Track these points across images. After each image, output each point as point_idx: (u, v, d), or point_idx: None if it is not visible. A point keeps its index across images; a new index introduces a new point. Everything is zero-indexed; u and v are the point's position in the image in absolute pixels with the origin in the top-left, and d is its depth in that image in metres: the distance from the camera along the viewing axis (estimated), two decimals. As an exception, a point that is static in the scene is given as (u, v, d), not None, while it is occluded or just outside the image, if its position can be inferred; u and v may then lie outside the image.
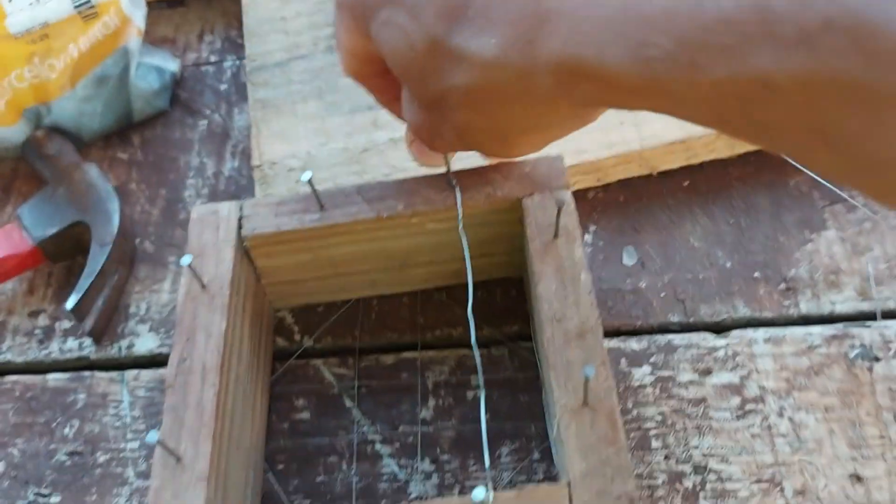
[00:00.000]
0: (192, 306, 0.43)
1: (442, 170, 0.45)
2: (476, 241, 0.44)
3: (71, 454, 0.48)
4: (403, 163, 0.53)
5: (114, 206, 0.53)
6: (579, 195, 0.54)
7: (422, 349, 0.50)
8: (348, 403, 0.48)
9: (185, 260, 0.42)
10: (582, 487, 0.34)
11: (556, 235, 0.42)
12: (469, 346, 0.49)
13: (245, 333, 0.45)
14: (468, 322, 0.39)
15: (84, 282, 0.50)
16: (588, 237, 0.53)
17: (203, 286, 0.43)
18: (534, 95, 0.32)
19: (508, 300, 0.50)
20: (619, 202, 0.54)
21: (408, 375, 0.49)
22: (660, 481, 0.44)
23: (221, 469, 0.40)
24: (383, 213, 0.44)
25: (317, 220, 0.45)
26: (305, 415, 0.48)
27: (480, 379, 0.38)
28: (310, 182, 0.43)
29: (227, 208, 0.46)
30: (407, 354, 0.49)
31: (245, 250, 0.46)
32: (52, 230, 0.53)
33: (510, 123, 0.36)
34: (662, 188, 0.54)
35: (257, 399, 0.46)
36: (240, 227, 0.45)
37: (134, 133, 0.61)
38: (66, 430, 0.49)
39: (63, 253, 0.54)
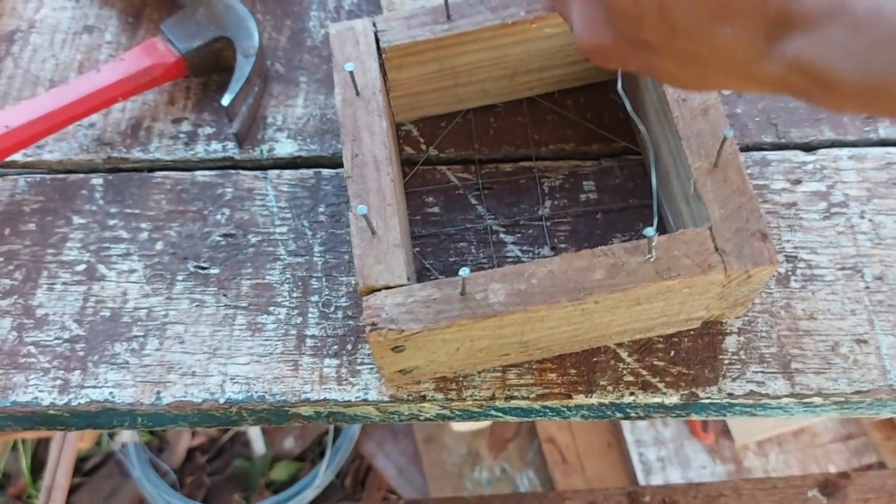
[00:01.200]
0: (352, 111, 0.48)
1: None
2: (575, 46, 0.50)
3: (225, 236, 0.54)
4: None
5: (252, 24, 0.58)
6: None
7: (537, 160, 0.55)
8: (473, 201, 0.54)
9: (349, 66, 0.47)
10: (724, 228, 0.40)
11: None
12: (580, 158, 0.55)
13: (392, 133, 0.51)
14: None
15: (235, 84, 0.55)
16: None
17: (357, 93, 0.48)
18: (750, 69, 0.32)
19: (616, 122, 0.56)
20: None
21: (526, 181, 0.54)
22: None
23: (405, 241, 0.46)
24: (508, 19, 0.49)
25: (447, 30, 0.50)
26: (435, 209, 0.54)
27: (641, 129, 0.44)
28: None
29: (362, 24, 0.51)
30: (524, 163, 0.55)
31: (381, 62, 0.51)
32: (197, 43, 0.57)
33: (709, 80, 0.34)
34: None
35: (402, 191, 0.52)
36: (377, 39, 0.50)
37: (255, -30, 0.65)
38: (218, 217, 0.54)
39: (204, 68, 0.59)
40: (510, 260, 0.52)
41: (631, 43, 0.34)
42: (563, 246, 0.52)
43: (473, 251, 0.52)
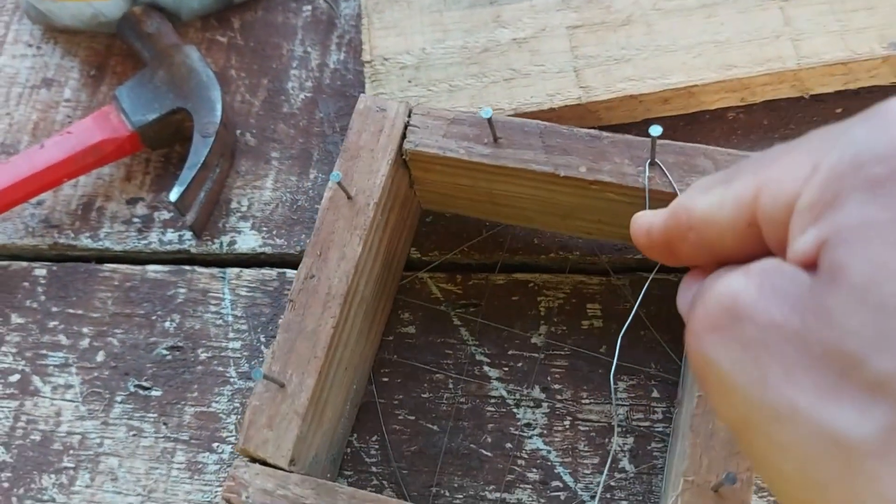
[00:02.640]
0: (333, 219, 0.40)
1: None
2: None
3: (172, 349, 0.47)
4: (527, 67, 0.49)
5: (216, 94, 0.50)
6: (719, 114, 0.49)
7: (535, 272, 0.47)
8: (456, 321, 0.46)
9: (335, 177, 0.39)
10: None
11: None
12: (587, 273, 0.46)
13: (381, 251, 0.43)
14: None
15: (187, 174, 0.48)
16: (723, 162, 0.48)
17: (349, 197, 0.41)
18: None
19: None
20: (762, 125, 0.49)
21: (520, 298, 0.46)
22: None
23: (322, 399, 0.39)
24: (561, 171, 0.39)
25: (486, 157, 0.40)
26: (411, 329, 0.46)
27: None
28: (489, 120, 0.39)
29: (396, 109, 0.42)
30: (519, 276, 0.47)
31: (403, 161, 0.43)
32: (152, 116, 0.50)
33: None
34: (813, 114, 0.49)
35: (379, 310, 0.45)
36: (403, 135, 0.42)
37: (233, 15, 0.57)
38: (167, 324, 0.48)
39: (162, 140, 0.52)
40: (493, 401, 0.44)
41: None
42: (556, 387, 0.44)
43: (451, 386, 0.44)
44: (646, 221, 0.29)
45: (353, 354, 0.42)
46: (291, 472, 0.36)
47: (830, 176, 0.20)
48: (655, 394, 0.43)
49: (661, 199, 0.38)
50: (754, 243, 0.23)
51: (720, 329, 0.22)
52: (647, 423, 0.42)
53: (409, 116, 0.42)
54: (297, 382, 0.37)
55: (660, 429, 0.42)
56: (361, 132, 0.42)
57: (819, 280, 0.20)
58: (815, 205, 0.20)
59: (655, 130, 0.36)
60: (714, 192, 0.24)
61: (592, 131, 0.40)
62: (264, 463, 0.36)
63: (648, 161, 0.38)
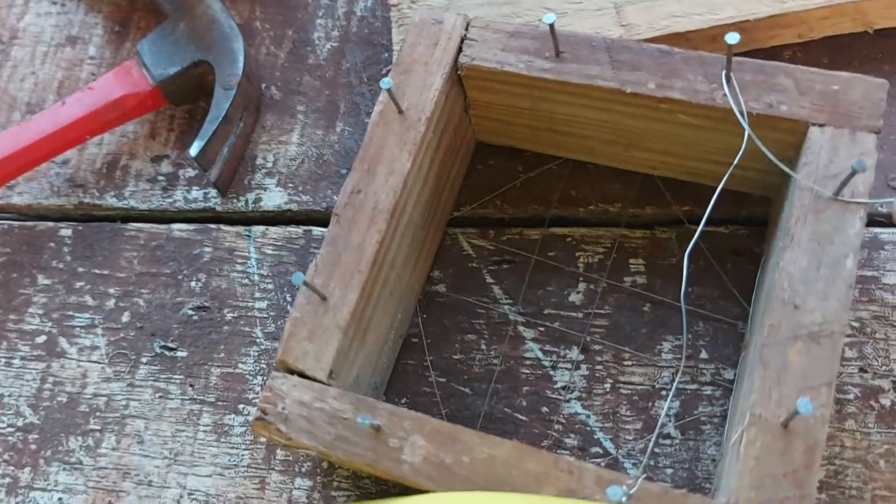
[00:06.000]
0: (383, 133, 0.39)
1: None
2: (729, 147, 0.36)
3: (198, 309, 0.46)
4: (563, 5, 0.45)
5: (238, 46, 0.48)
6: (773, 53, 0.45)
7: (573, 226, 0.44)
8: (489, 279, 0.43)
9: (385, 83, 0.37)
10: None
11: (836, 194, 0.33)
12: (629, 226, 0.43)
13: (432, 173, 0.40)
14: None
15: (208, 127, 0.46)
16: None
17: (401, 111, 0.38)
18: None
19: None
20: (822, 64, 0.45)
21: (556, 253, 0.43)
22: (851, 396, 0.38)
23: (365, 318, 0.37)
24: (627, 87, 0.37)
25: (546, 71, 0.38)
26: (441, 287, 0.44)
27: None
28: (551, 26, 0.36)
29: (453, 21, 0.40)
30: (556, 230, 0.44)
31: (458, 76, 0.40)
32: (173, 69, 0.48)
33: None
34: (878, 50, 0.44)
35: (428, 239, 0.42)
36: (459, 49, 0.39)
37: (257, -36, 0.55)
38: (193, 284, 0.46)
39: (185, 96, 0.50)
40: (528, 363, 0.41)
41: None
42: (597, 347, 0.41)
43: (483, 347, 0.42)
44: None
45: (399, 280, 0.40)
46: (330, 385, 0.35)
47: None
48: (704, 354, 0.40)
49: (736, 119, 0.35)
50: None
51: None
52: (694, 386, 0.39)
53: (467, 29, 0.40)
54: (339, 296, 0.36)
55: (708, 391, 0.39)
56: (416, 45, 0.40)
57: None
58: None
59: (732, 38, 0.32)
60: None
61: (663, 47, 0.37)
62: (303, 375, 0.35)
63: (724, 72, 0.35)
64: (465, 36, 0.40)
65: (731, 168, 0.35)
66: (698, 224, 0.38)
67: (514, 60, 0.38)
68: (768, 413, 0.30)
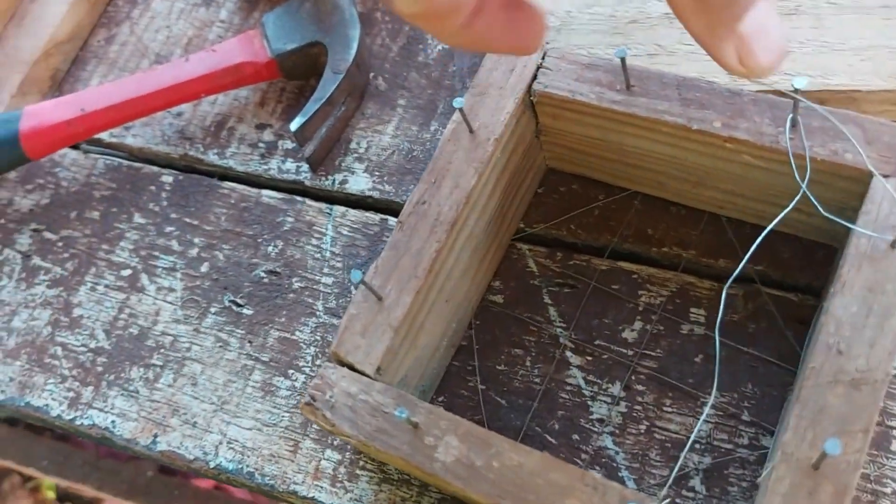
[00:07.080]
0: (452, 149, 0.40)
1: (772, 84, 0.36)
2: (793, 191, 0.36)
3: (269, 273, 0.48)
4: (674, 45, 0.45)
5: (354, 33, 0.51)
6: (883, 129, 0.44)
7: (642, 263, 0.44)
8: (547, 299, 0.44)
9: (458, 102, 0.39)
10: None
11: (894, 245, 0.33)
12: (699, 274, 0.43)
13: (497, 191, 0.42)
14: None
15: (311, 106, 0.48)
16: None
17: (471, 130, 0.40)
18: None
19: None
20: (932, 149, 0.43)
21: (620, 287, 0.43)
22: (888, 490, 0.36)
23: (418, 322, 0.39)
24: (694, 123, 0.37)
25: (616, 103, 0.39)
26: (499, 298, 0.45)
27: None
28: (622, 62, 0.37)
29: None
30: (625, 264, 0.44)
31: (531, 102, 0.41)
32: (291, 46, 0.51)
33: None
34: None
35: (489, 255, 0.44)
36: (535, 76, 0.41)
37: (389, -42, 0.57)
38: (270, 249, 0.49)
39: (299, 72, 0.53)
40: (569, 388, 0.42)
41: None
42: (638, 388, 0.41)
43: (528, 363, 0.43)
44: None
45: (456, 291, 0.41)
46: (376, 380, 0.37)
47: None
48: (745, 416, 0.39)
49: (801, 164, 0.35)
50: None
51: None
52: (730, 446, 0.39)
53: (543, 58, 0.41)
54: (394, 298, 0.38)
55: (742, 454, 0.38)
56: (493, 70, 0.41)
57: None
58: None
59: (800, 82, 0.32)
60: None
61: (733, 87, 0.37)
62: (352, 368, 0.37)
63: (790, 116, 0.35)
64: (540, 64, 0.41)
65: (785, 211, 0.35)
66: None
67: (587, 91, 0.39)
68: (800, 452, 0.30)
